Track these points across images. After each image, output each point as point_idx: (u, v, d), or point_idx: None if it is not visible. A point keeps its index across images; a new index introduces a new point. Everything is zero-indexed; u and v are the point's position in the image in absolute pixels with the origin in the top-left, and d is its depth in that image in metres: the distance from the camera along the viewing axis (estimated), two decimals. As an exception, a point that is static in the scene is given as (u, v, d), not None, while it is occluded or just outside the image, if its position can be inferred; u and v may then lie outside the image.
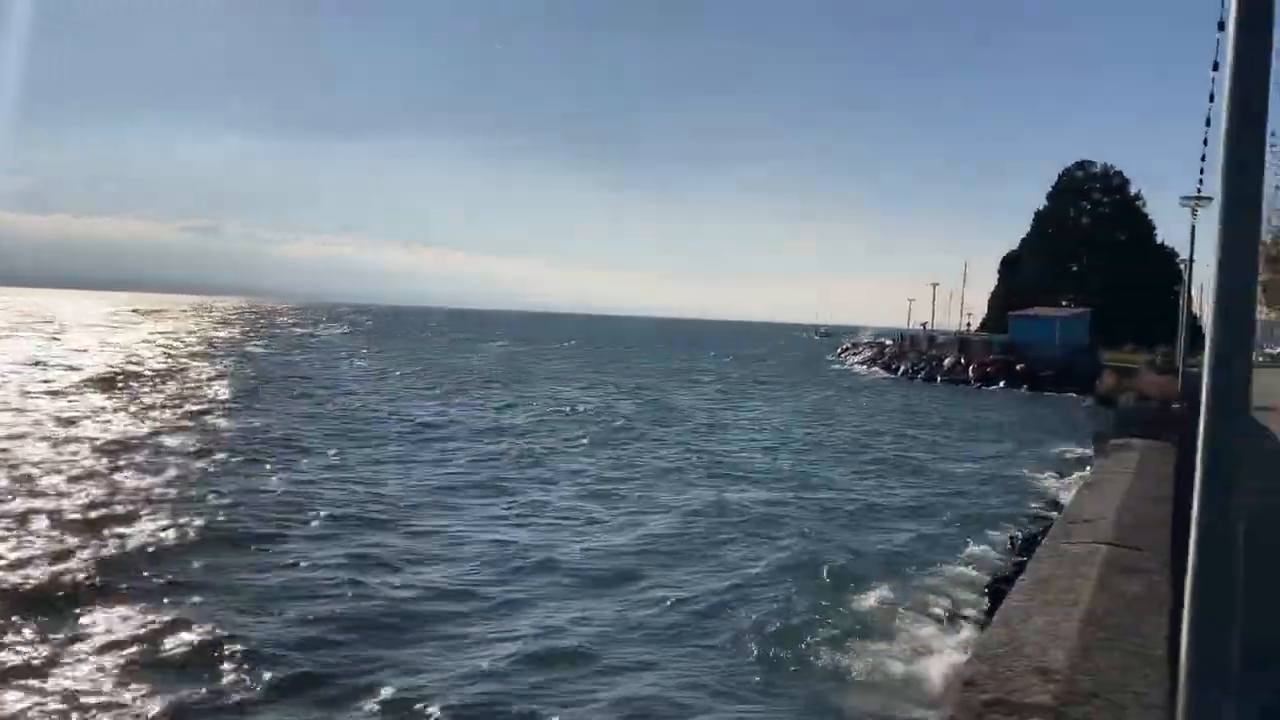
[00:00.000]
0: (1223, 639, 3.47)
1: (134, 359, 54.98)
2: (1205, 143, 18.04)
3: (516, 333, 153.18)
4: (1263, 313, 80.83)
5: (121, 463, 21.50)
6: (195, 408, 33.03)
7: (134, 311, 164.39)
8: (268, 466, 22.30)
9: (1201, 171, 22.41)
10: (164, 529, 15.57)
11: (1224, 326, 3.32)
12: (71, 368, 46.43)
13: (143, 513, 16.67)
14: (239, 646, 10.66)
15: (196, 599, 12.36)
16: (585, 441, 29.69)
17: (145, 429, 27.13)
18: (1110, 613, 5.06)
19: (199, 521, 16.10)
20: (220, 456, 23.09)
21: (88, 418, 28.75)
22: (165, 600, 12.20)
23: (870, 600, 12.76)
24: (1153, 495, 8.72)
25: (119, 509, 16.91)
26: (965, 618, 11.72)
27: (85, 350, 60.56)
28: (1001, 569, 13.88)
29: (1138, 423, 13.98)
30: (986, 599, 12.08)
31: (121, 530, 15.40)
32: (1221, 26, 11.76)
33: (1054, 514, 17.95)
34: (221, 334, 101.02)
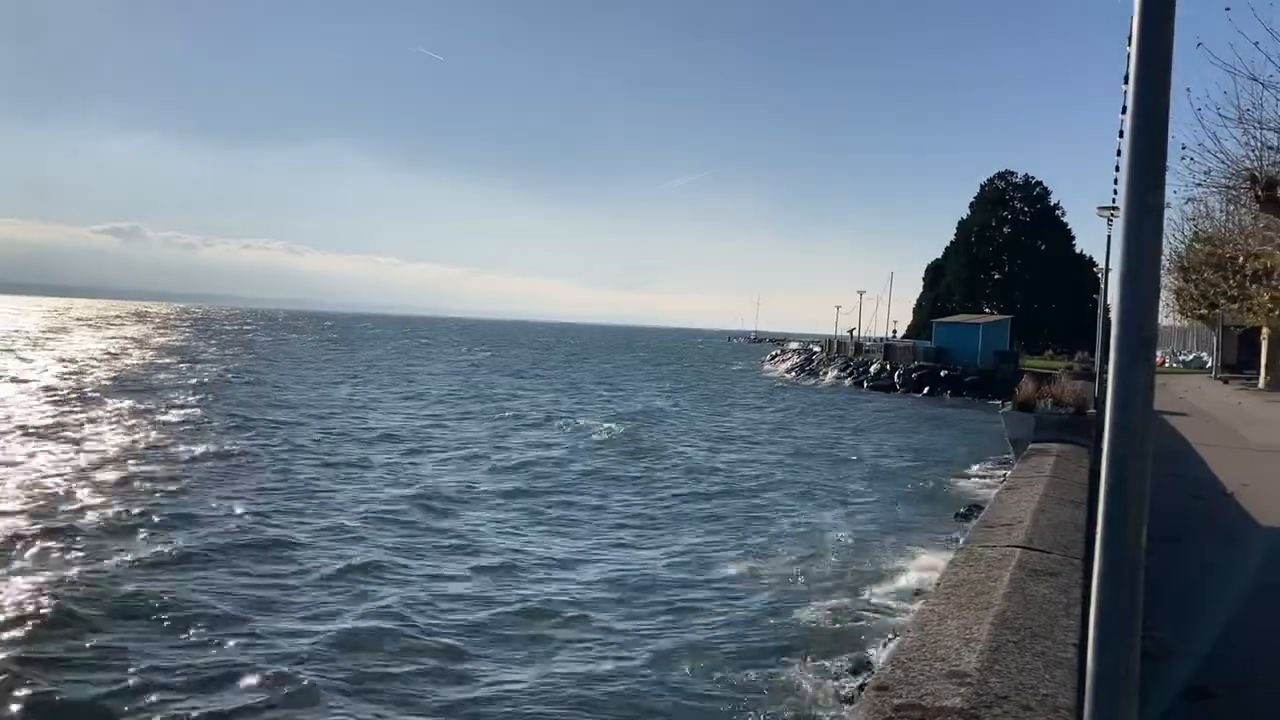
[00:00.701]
0: (1126, 643, 3.53)
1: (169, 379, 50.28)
2: (1119, 153, 18.57)
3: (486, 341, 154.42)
4: (1176, 320, 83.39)
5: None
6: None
7: (75, 319, 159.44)
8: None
9: (1115, 182, 23.03)
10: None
11: (1128, 329, 3.40)
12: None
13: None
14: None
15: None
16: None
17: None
18: (1021, 616, 5.14)
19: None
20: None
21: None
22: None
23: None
24: (1067, 499, 8.90)
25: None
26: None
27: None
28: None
29: (1054, 427, 14.31)
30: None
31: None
32: (1131, 41, 12.14)
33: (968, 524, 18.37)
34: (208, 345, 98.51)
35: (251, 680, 10.27)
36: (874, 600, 13.75)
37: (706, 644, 12.07)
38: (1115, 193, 25.93)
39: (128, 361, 60.76)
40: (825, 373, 77.80)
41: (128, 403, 35.31)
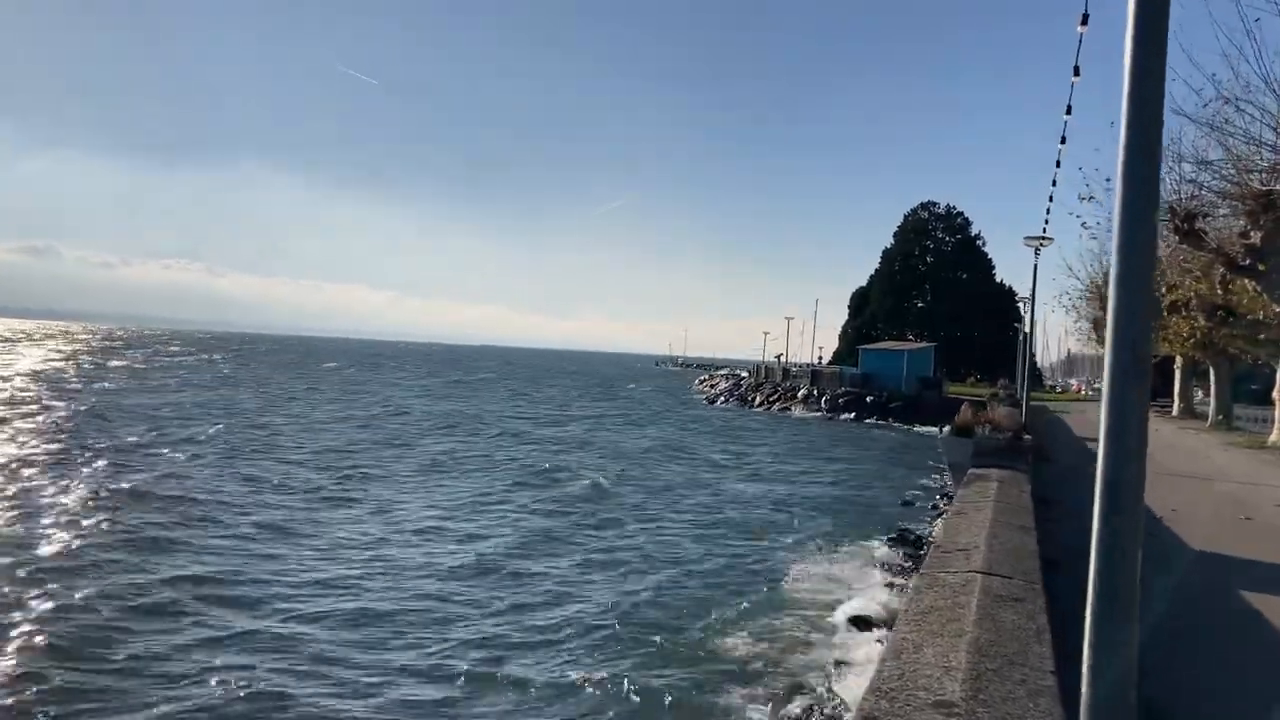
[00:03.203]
0: (1122, 671, 3.47)
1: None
2: (1054, 183, 18.98)
3: (421, 363, 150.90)
4: (1095, 350, 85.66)
5: None
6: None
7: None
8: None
9: (1049, 211, 23.52)
10: None
11: (1122, 342, 3.35)
12: None
13: None
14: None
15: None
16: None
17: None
18: (995, 642, 5.07)
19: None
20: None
21: None
22: None
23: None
24: (1016, 524, 8.94)
25: None
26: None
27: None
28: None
29: (992, 453, 14.46)
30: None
31: None
32: (1077, 71, 12.40)
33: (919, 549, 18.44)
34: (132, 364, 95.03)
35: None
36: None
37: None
38: (1046, 222, 26.56)
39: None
40: (753, 398, 78.27)
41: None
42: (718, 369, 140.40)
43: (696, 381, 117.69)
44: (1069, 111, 11.70)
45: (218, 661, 11.74)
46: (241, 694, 10.67)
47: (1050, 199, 20.41)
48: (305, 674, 11.49)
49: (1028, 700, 4.21)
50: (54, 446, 29.56)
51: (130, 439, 32.87)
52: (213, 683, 11.00)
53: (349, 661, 12.02)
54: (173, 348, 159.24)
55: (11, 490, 22.17)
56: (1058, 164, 15.46)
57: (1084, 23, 8.54)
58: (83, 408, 43.55)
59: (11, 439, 31.12)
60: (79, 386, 58.69)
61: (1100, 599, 3.44)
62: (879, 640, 11.28)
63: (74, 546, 17.02)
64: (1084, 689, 3.77)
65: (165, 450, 30.54)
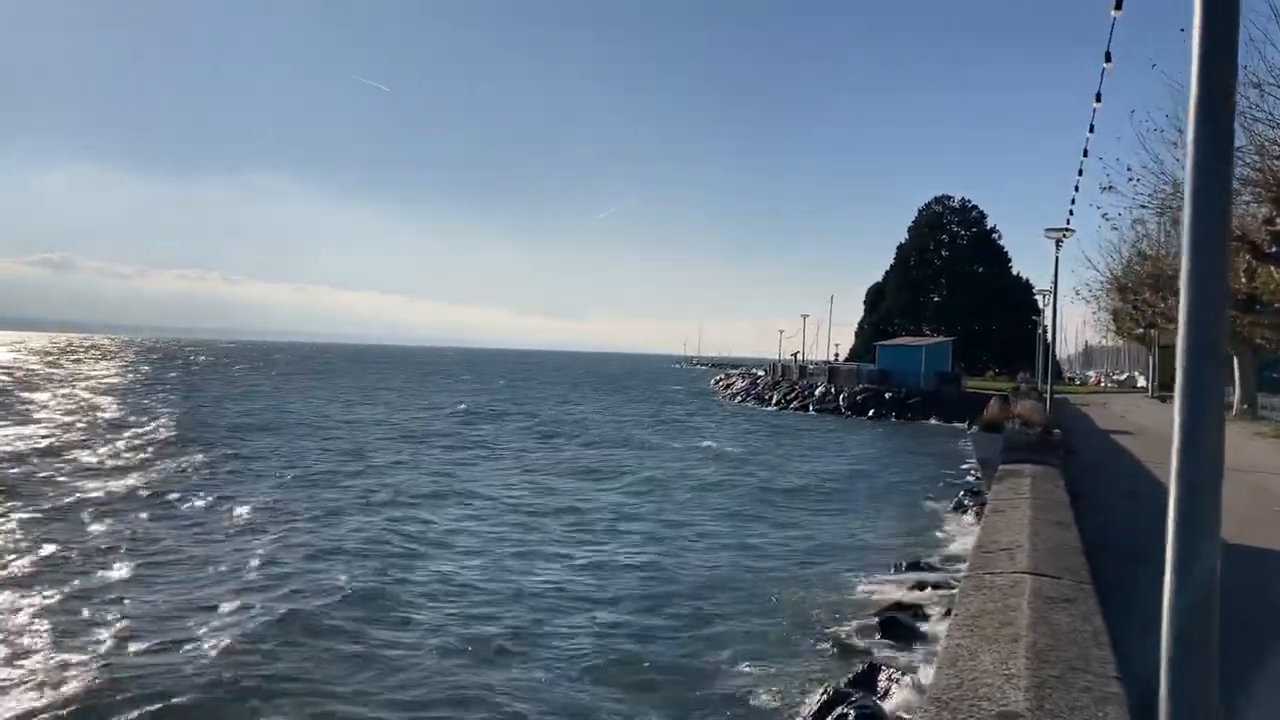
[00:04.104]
0: (1204, 680, 3.29)
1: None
2: (1080, 172, 18.71)
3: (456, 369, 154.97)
4: (1111, 341, 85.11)
5: None
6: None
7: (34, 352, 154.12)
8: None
9: (1073, 202, 23.18)
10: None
11: (1196, 330, 3.17)
12: None
13: None
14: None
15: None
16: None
17: None
18: (1053, 647, 4.89)
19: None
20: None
21: None
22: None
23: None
24: (1057, 520, 8.74)
25: None
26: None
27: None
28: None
29: (1023, 448, 14.23)
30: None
31: None
32: (1109, 58, 12.17)
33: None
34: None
35: None
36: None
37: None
38: (1071, 212, 26.19)
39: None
40: (771, 396, 78.00)
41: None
42: (733, 368, 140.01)
43: (712, 381, 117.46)
44: (1098, 99, 11.47)
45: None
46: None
47: (1076, 189, 20.13)
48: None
49: (1095, 709, 4.03)
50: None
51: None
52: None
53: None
54: (200, 358, 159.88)
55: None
56: (1085, 153, 15.20)
57: (1118, 6, 8.30)
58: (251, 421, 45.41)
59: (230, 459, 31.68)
60: (174, 397, 60.96)
61: (1177, 599, 3.26)
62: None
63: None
64: (1163, 698, 3.58)
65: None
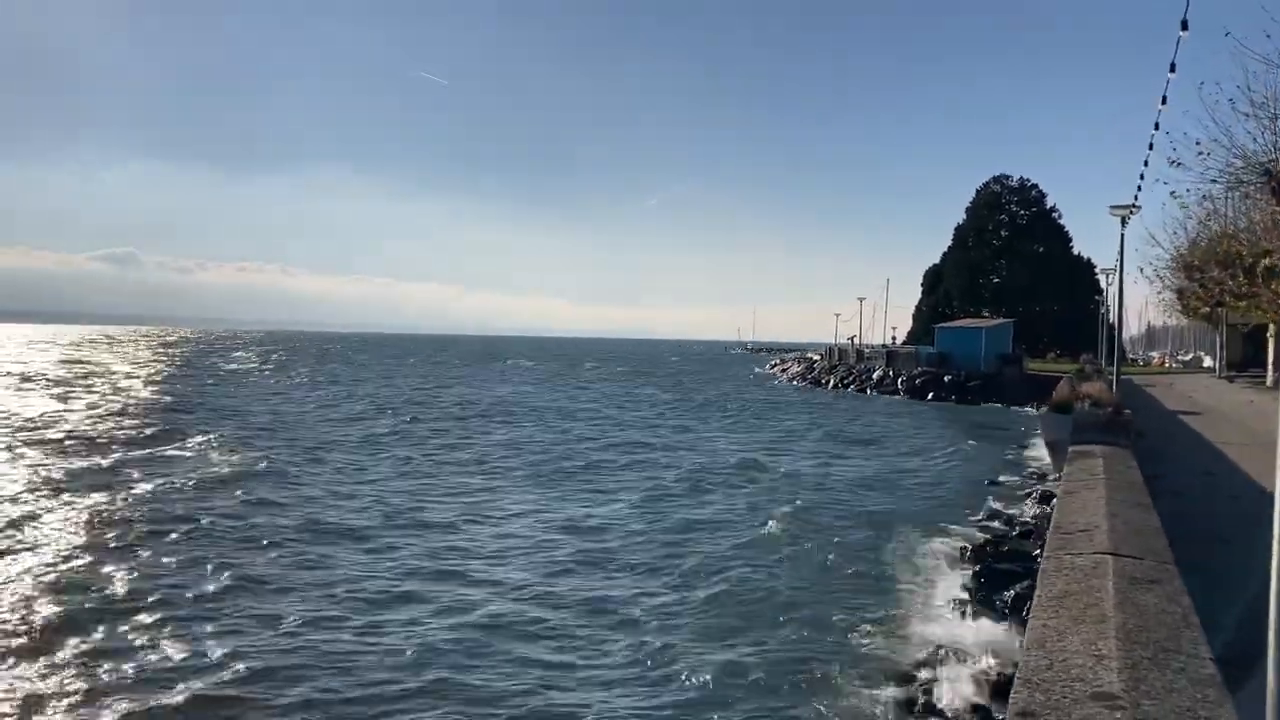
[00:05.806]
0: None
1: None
2: (1150, 146, 18.23)
3: (533, 356, 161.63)
4: (1176, 320, 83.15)
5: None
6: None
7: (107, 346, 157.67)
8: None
9: (1142, 178, 22.56)
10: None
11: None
12: None
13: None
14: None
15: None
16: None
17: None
18: (1142, 628, 4.79)
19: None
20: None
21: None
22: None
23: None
24: (1133, 501, 8.56)
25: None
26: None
27: None
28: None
29: (1093, 428, 13.96)
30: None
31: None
32: (1185, 25, 11.81)
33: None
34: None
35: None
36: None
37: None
38: (1139, 189, 25.49)
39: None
40: (828, 380, 77.53)
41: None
42: (787, 353, 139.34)
43: (768, 366, 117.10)
44: (1173, 69, 11.15)
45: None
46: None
47: (1145, 163, 19.62)
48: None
49: (1193, 690, 3.93)
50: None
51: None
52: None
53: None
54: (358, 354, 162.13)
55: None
56: (1156, 126, 14.80)
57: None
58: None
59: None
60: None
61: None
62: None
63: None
64: (1270, 685, 3.49)
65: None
